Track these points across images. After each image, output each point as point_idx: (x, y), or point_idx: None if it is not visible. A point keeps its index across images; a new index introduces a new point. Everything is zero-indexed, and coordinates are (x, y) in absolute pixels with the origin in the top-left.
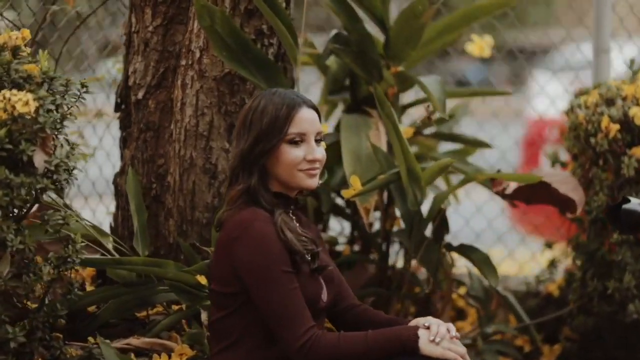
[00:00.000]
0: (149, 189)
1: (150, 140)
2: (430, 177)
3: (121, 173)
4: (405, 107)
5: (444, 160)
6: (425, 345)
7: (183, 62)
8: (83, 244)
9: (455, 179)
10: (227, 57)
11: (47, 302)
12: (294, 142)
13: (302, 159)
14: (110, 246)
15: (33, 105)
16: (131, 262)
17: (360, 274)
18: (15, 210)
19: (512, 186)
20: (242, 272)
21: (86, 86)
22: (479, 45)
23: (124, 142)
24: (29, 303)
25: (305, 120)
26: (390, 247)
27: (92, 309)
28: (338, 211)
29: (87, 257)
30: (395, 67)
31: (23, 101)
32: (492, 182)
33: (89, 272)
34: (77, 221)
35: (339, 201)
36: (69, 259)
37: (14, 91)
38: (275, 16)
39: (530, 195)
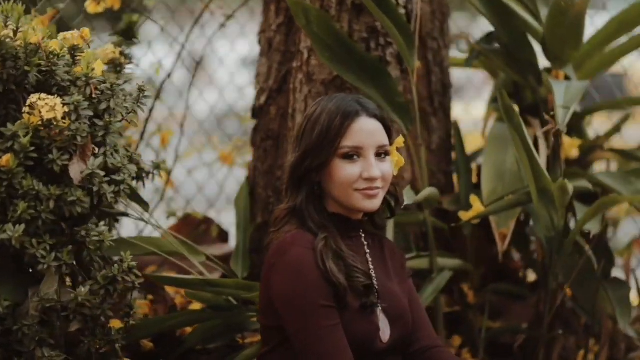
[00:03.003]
0: (267, 203)
1: (270, 149)
2: (560, 199)
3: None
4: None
5: (559, 182)
6: None
7: (294, 64)
8: (133, 263)
9: None
10: (330, 59)
11: (102, 326)
12: (349, 157)
13: (357, 176)
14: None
15: (61, 111)
16: (222, 284)
17: (526, 308)
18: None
19: None
20: (277, 304)
21: (143, 90)
22: None
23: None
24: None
25: (363, 131)
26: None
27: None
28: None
29: (172, 275)
30: (556, 71)
31: (49, 106)
32: None
33: None
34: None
35: None
36: (117, 279)
37: (43, 95)
38: (383, 13)
39: None
